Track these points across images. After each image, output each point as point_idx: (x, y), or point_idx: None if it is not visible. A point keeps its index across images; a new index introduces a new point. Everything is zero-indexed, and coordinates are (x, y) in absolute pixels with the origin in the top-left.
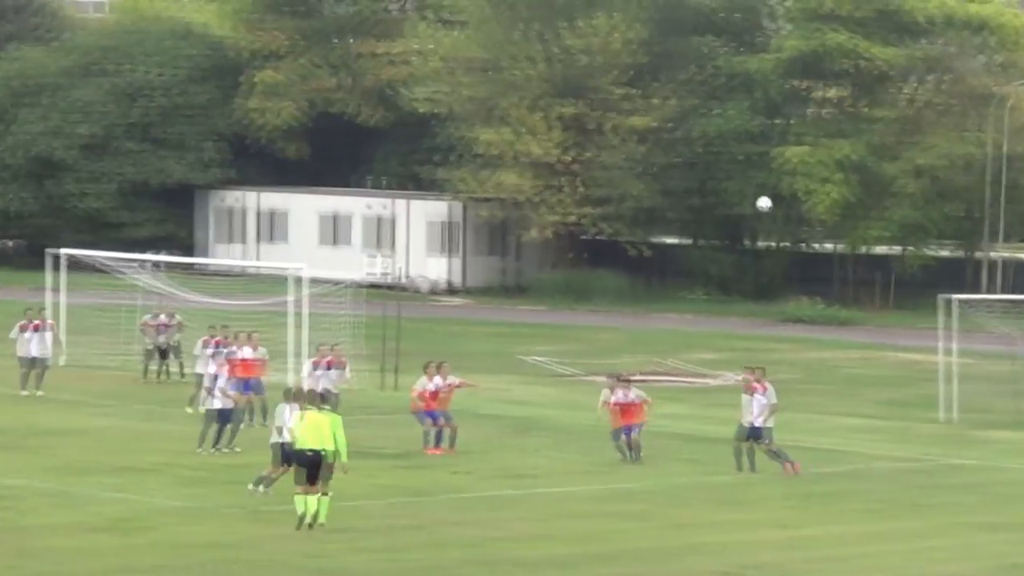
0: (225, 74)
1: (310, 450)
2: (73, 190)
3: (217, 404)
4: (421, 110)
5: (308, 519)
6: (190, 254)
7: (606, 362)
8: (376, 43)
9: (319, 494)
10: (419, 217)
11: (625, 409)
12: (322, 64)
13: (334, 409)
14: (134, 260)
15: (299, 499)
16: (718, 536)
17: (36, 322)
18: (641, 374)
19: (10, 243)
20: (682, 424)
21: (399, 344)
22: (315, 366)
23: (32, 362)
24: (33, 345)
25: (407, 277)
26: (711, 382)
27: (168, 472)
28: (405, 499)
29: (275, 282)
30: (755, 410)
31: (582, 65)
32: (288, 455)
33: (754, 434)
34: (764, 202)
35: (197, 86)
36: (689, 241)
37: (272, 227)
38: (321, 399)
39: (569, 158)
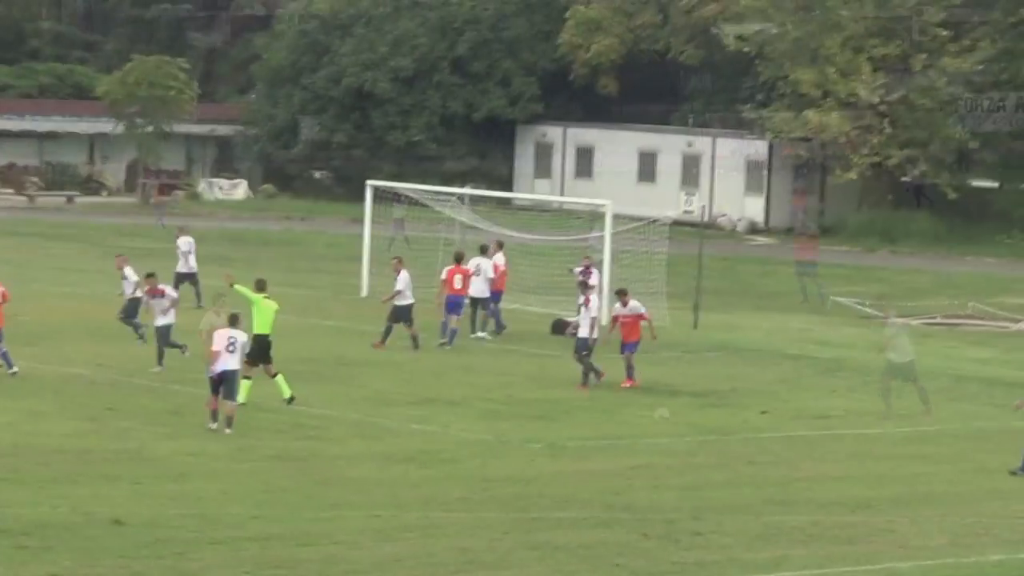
0: (543, 8)
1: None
2: (388, 122)
3: None
4: (734, 48)
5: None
6: (508, 189)
7: (912, 304)
8: None
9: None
10: (725, 155)
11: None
12: (637, 0)
13: None
14: (442, 193)
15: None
16: None
17: None
18: (943, 317)
19: (317, 174)
20: (987, 369)
21: (700, 282)
22: None
23: None
24: None
25: (722, 215)
26: (1016, 326)
27: (469, 405)
28: (707, 437)
29: (580, 217)
30: None
31: (909, 5)
32: None
33: None
34: None
35: (516, 20)
36: (996, 184)
37: (578, 163)
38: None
39: (881, 99)
